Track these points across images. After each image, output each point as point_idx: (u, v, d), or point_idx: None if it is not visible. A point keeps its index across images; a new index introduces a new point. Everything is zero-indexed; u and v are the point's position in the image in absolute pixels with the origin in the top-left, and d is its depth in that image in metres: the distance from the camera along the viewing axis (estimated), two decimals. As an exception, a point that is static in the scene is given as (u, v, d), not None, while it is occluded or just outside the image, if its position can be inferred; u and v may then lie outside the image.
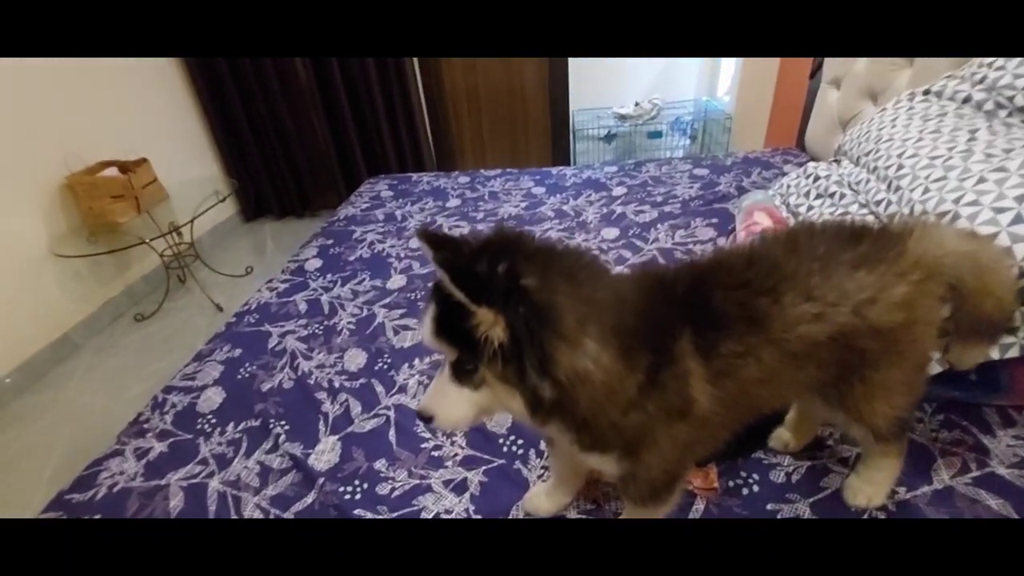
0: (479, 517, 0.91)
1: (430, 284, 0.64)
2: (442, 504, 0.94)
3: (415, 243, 1.86)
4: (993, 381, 0.95)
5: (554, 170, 2.38)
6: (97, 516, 0.96)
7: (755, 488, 0.91)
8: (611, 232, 1.79)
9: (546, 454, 1.00)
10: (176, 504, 0.98)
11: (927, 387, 0.81)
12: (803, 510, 0.87)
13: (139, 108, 2.79)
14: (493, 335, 0.56)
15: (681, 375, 0.65)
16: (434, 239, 0.60)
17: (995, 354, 0.90)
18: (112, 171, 2.44)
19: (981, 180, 0.95)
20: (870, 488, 0.86)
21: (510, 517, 0.91)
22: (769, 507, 0.88)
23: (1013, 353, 0.90)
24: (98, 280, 2.52)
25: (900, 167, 1.11)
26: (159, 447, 1.11)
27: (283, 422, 1.14)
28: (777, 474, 0.93)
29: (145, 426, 1.16)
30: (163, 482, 1.03)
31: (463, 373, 0.62)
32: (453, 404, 0.64)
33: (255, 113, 3.23)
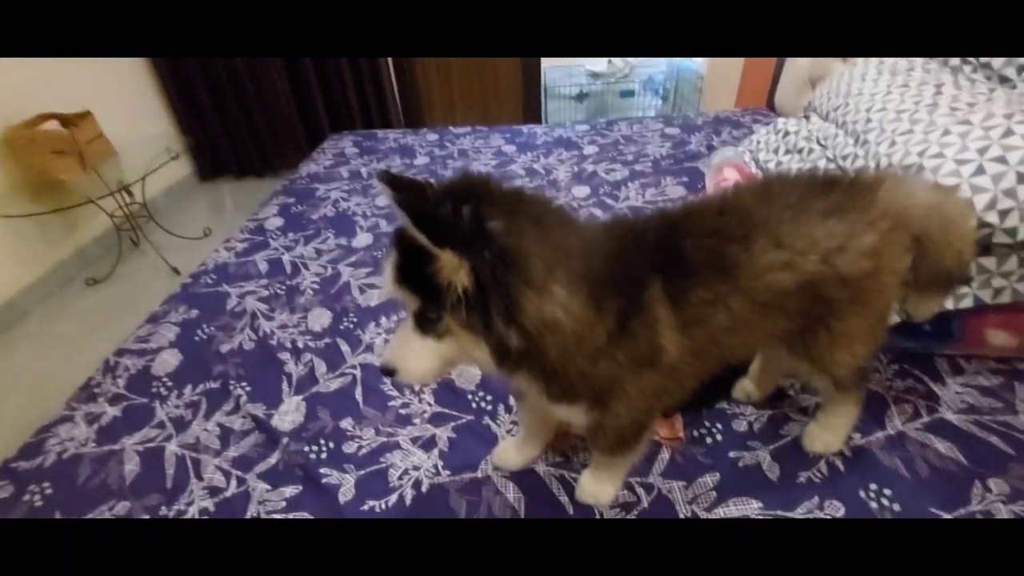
0: (447, 473, 0.91)
1: (388, 225, 0.60)
2: (410, 460, 0.93)
3: (382, 201, 1.80)
4: (946, 331, 0.98)
5: (525, 128, 2.32)
6: (46, 484, 0.92)
7: (719, 437, 0.93)
8: (582, 190, 1.76)
9: (515, 409, 1.00)
10: (132, 468, 0.94)
11: (886, 337, 0.82)
12: (763, 457, 0.89)
13: (81, 58, 2.57)
14: (457, 280, 0.54)
15: (650, 323, 0.65)
16: (395, 181, 0.56)
17: (950, 304, 0.93)
18: (53, 124, 2.26)
19: (945, 133, 0.95)
20: (828, 435, 0.89)
21: (479, 472, 0.91)
22: (731, 455, 0.90)
23: (967, 303, 0.93)
24: (45, 242, 2.37)
25: (868, 121, 1.11)
26: (112, 412, 1.06)
27: (244, 383, 1.11)
28: (740, 423, 0.96)
29: (96, 391, 1.11)
30: (117, 447, 0.98)
31: (426, 323, 0.59)
32: (417, 356, 0.61)
33: (209, 66, 3.02)
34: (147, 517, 0.87)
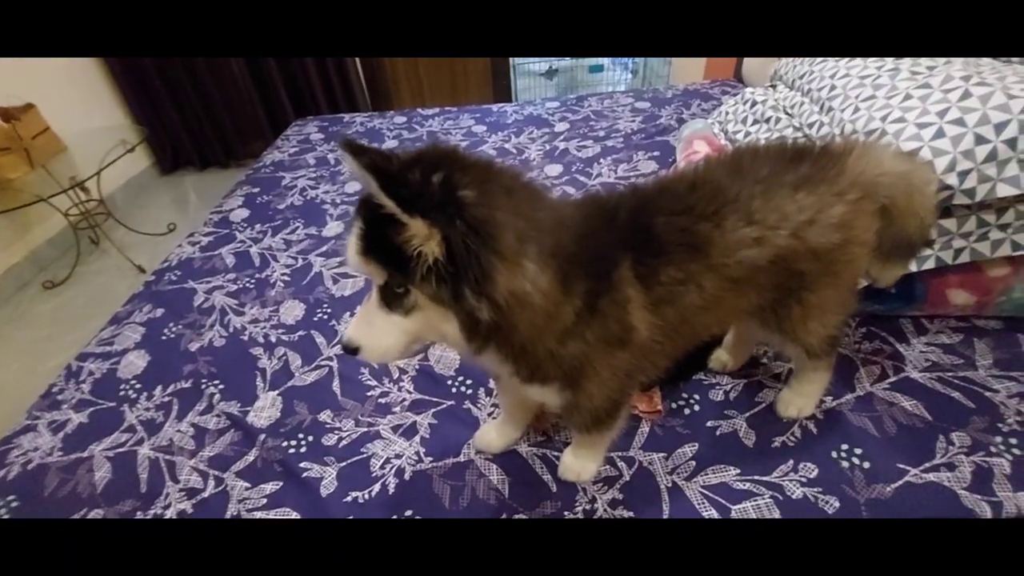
0: (429, 460, 0.91)
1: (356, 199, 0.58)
2: (392, 449, 0.93)
3: (352, 187, 1.76)
4: (910, 293, 1.01)
5: (495, 107, 2.29)
6: (11, 497, 0.89)
7: (696, 408, 0.95)
8: (554, 168, 1.75)
9: (495, 392, 1.00)
10: (103, 475, 0.92)
11: (856, 305, 0.84)
12: (740, 424, 0.91)
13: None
14: (427, 250, 0.52)
15: (620, 303, 0.64)
16: (358, 149, 0.53)
17: (913, 267, 0.95)
18: (-8, 120, 2.14)
19: (907, 97, 0.96)
20: (801, 400, 0.91)
21: (461, 456, 0.91)
22: (709, 424, 0.92)
23: (929, 265, 0.95)
24: (-6, 246, 2.26)
25: (832, 88, 1.12)
26: (77, 418, 1.02)
27: (216, 381, 1.08)
28: (716, 393, 0.97)
29: (59, 398, 1.07)
30: (85, 454, 0.95)
31: (392, 297, 0.57)
32: (381, 332, 0.59)
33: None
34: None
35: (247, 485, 0.89)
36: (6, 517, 0.86)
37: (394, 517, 0.82)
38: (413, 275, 0.53)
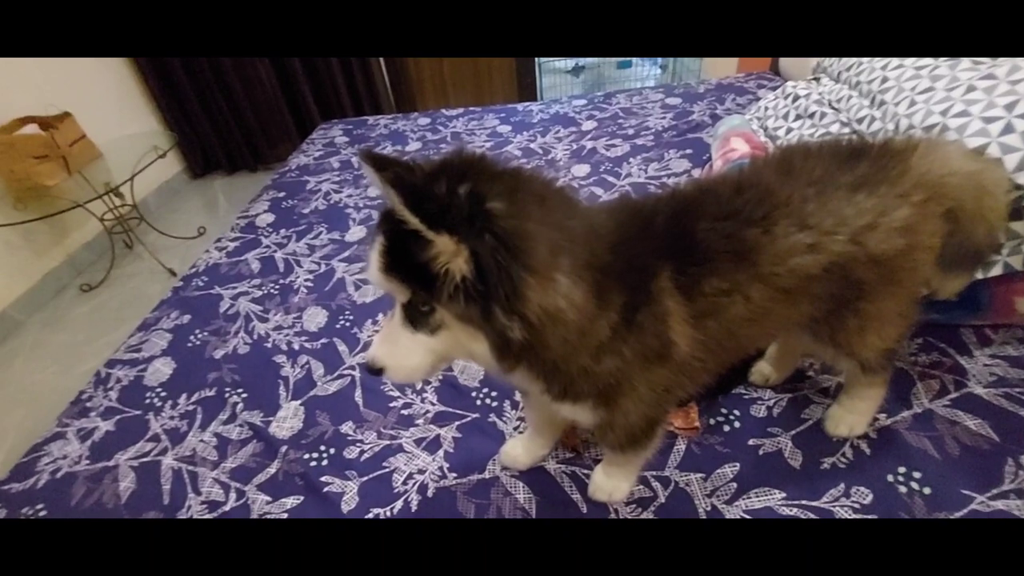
0: (453, 476, 0.87)
1: (377, 213, 0.55)
2: (415, 464, 0.90)
3: (374, 191, 1.74)
4: (973, 301, 0.93)
5: (520, 106, 2.24)
6: (40, 505, 0.89)
7: (736, 424, 0.89)
8: (582, 169, 1.70)
9: (521, 405, 0.96)
10: (127, 486, 0.91)
11: (917, 315, 0.77)
12: (785, 443, 0.85)
13: (57, 58, 2.49)
14: (455, 268, 0.48)
15: (659, 316, 0.59)
16: (379, 160, 0.50)
17: (979, 273, 0.87)
18: (31, 128, 2.20)
19: (970, 89, 0.88)
20: (852, 417, 0.84)
21: (486, 472, 0.87)
22: (751, 442, 0.86)
23: (996, 271, 0.87)
24: (34, 251, 2.33)
25: (884, 80, 1.04)
26: (104, 426, 1.03)
27: (240, 390, 1.07)
28: (759, 408, 0.91)
29: (87, 405, 1.07)
30: (111, 463, 0.95)
31: (417, 315, 0.54)
32: (406, 352, 0.56)
33: (191, 59, 2.93)
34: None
35: (268, 499, 0.87)
36: (33, 527, 0.86)
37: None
38: (439, 294, 0.50)
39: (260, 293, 1.34)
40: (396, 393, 1.02)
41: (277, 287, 1.36)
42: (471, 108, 2.29)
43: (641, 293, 0.58)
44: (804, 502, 0.77)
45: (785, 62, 2.04)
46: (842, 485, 0.78)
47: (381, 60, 3.15)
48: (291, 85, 3.09)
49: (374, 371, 0.58)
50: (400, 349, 0.56)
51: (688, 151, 1.68)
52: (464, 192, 0.48)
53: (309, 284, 1.35)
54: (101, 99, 2.72)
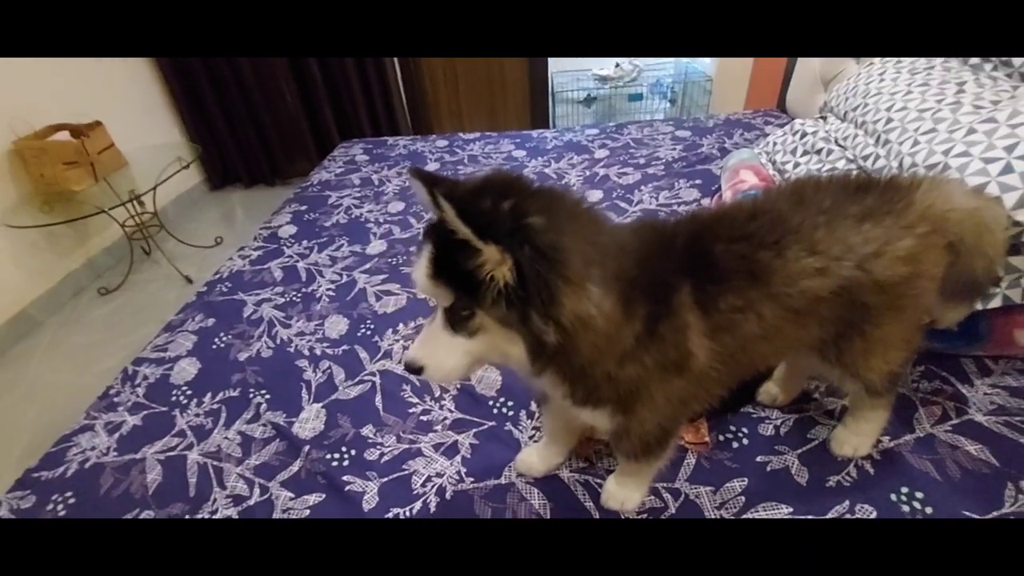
0: (471, 480, 0.90)
1: (424, 225, 0.60)
2: (433, 468, 0.93)
3: (394, 207, 1.81)
4: (973, 332, 0.97)
5: (535, 133, 2.32)
6: (69, 493, 0.92)
7: (745, 441, 0.92)
8: (595, 194, 1.76)
9: (537, 415, 0.99)
10: (154, 478, 0.94)
11: (920, 341, 0.81)
12: (791, 461, 0.88)
13: (90, 68, 2.58)
14: (499, 275, 0.53)
15: (679, 328, 0.64)
16: (429, 177, 0.57)
17: (979, 304, 0.91)
18: (63, 135, 2.28)
19: (971, 131, 0.94)
20: (857, 439, 0.87)
21: (503, 478, 0.90)
22: (759, 459, 0.89)
23: (995, 303, 0.91)
24: (56, 252, 2.39)
25: (889, 120, 1.10)
26: (132, 420, 1.06)
27: (263, 391, 1.10)
28: (766, 427, 0.94)
29: (115, 400, 1.11)
30: (138, 456, 0.98)
31: (458, 319, 0.59)
32: (446, 353, 0.61)
33: (218, 75, 3.04)
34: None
35: (291, 495, 0.90)
36: (62, 513, 0.89)
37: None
38: (483, 299, 0.55)
39: (283, 300, 1.39)
40: (415, 399, 1.06)
41: (299, 295, 1.40)
42: (487, 133, 2.37)
43: (663, 306, 0.63)
44: (811, 517, 0.80)
45: (791, 101, 2.12)
46: (847, 502, 0.81)
47: (400, 81, 3.25)
48: (312, 103, 3.19)
49: (414, 370, 0.62)
50: (440, 350, 0.61)
51: (698, 181, 1.74)
52: (507, 207, 0.53)
53: (331, 293, 1.40)
54: (129, 109, 2.81)
